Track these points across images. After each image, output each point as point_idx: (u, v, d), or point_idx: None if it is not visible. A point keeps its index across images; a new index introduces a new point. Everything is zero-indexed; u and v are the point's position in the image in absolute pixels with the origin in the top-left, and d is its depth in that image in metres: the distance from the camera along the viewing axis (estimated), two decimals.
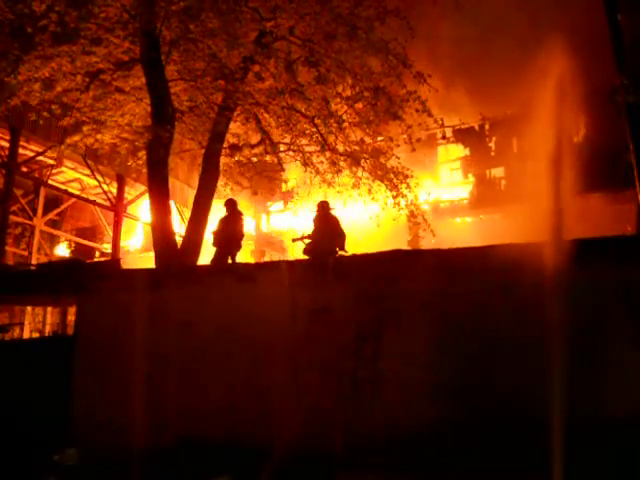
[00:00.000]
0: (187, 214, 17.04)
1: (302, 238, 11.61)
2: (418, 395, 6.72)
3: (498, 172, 25.34)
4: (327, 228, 11.26)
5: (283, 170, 13.67)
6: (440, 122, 12.52)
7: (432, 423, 6.59)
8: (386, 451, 6.69)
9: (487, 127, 25.78)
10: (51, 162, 22.99)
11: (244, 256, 20.74)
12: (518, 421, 6.19)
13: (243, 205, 13.28)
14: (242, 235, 11.97)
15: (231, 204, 12.05)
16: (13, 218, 23.02)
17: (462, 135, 26.04)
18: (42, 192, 24.17)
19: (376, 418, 6.92)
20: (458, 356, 6.72)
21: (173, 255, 11.04)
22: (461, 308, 6.83)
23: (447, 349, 6.77)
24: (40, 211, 24.26)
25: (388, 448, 6.70)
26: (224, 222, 11.86)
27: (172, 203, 12.34)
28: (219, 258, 11.50)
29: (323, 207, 11.64)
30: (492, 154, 25.60)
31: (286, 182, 14.53)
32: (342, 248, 11.02)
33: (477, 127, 25.90)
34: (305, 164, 13.13)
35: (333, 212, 11.72)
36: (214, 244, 11.71)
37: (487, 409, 6.43)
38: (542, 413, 5.77)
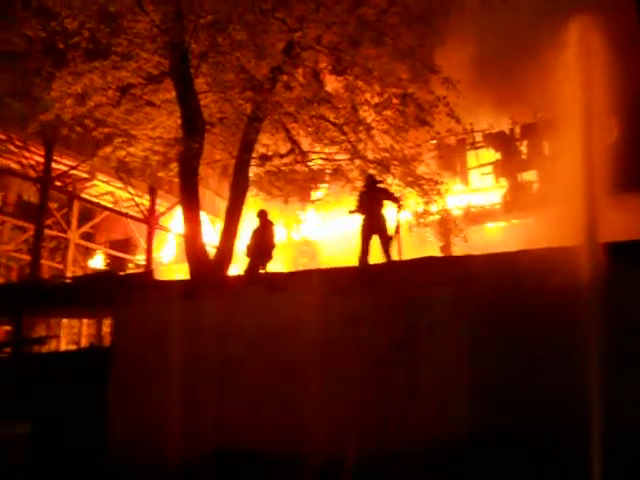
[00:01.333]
0: (218, 224, 17.16)
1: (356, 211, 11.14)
2: (453, 403, 6.64)
3: (530, 176, 25.04)
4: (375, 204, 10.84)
5: (313, 179, 13.67)
6: (470, 127, 12.41)
7: (468, 432, 6.49)
8: (421, 460, 6.62)
9: (518, 131, 25.53)
10: (84, 176, 23.33)
11: (281, 265, 20.82)
12: (557, 427, 6.08)
13: (274, 214, 13.30)
14: (273, 245, 11.97)
15: (262, 215, 12.09)
16: (48, 232, 23.40)
17: (492, 139, 25.80)
18: (76, 205, 24.53)
19: (411, 427, 6.84)
20: (494, 363, 6.63)
21: (205, 266, 11.10)
22: (496, 314, 6.74)
23: (482, 356, 6.68)
24: (74, 224, 24.62)
25: (423, 457, 6.62)
26: (256, 233, 11.89)
27: (203, 214, 12.41)
28: (251, 268, 11.53)
29: (372, 181, 11.24)
30: (523, 157, 25.31)
31: (316, 190, 14.52)
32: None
33: (507, 131, 25.67)
34: (335, 173, 13.13)
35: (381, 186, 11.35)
36: (247, 254, 11.74)
37: (524, 417, 6.32)
38: (584, 417, 5.65)
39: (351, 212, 11.18)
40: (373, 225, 10.61)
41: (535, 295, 6.47)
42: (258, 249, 11.63)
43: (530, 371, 6.47)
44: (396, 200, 11.05)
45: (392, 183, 12.71)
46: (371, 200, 10.86)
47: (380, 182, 11.50)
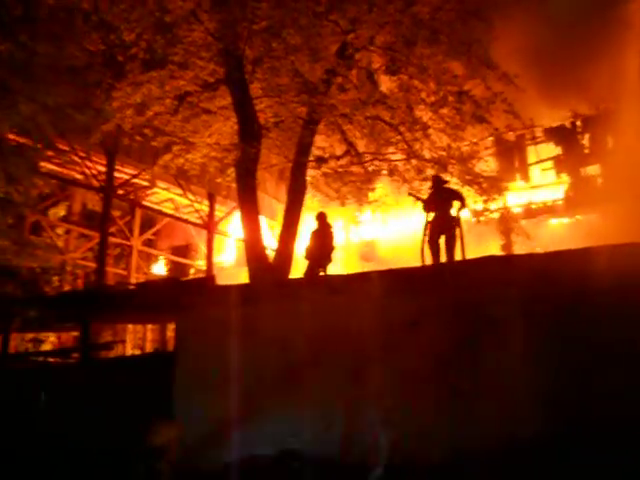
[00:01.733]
0: (277, 228, 17.26)
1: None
2: (519, 407, 6.48)
3: (593, 170, 24.31)
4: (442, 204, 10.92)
5: (370, 180, 13.61)
6: (529, 122, 12.14)
7: (533, 436, 6.33)
8: (485, 464, 6.49)
9: (579, 124, 24.84)
10: (145, 184, 23.84)
11: (340, 267, 20.81)
12: (626, 435, 5.87)
13: (332, 216, 13.27)
14: (332, 248, 11.95)
15: (321, 217, 12.09)
16: (112, 239, 24.01)
17: (553, 134, 25.16)
18: (138, 213, 25.11)
19: (476, 430, 6.72)
20: (559, 364, 6.45)
21: (265, 269, 11.18)
22: (562, 315, 6.56)
23: (547, 357, 6.51)
24: (137, 231, 25.20)
25: (488, 461, 6.49)
26: (315, 235, 11.90)
27: (262, 218, 12.50)
28: (311, 271, 11.55)
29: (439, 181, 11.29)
30: (586, 152, 24.60)
31: (373, 191, 14.43)
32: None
33: (568, 125, 24.99)
34: (391, 173, 13.04)
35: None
36: (306, 257, 11.76)
37: (592, 421, 6.12)
38: None
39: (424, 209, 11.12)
40: (442, 225, 10.61)
41: (605, 294, 6.26)
42: (317, 252, 11.65)
43: (598, 373, 6.27)
44: (463, 199, 10.94)
45: (450, 181, 12.57)
46: (439, 200, 10.87)
47: (446, 182, 11.42)
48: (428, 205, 10.96)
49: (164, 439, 8.13)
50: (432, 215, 10.87)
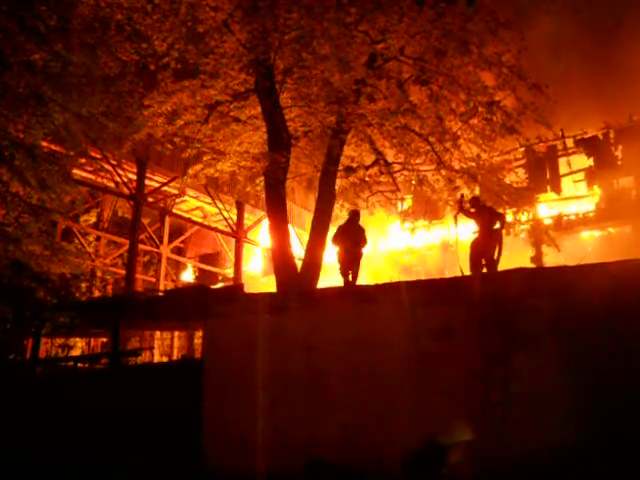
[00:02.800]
0: (305, 237, 17.28)
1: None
2: (551, 419, 6.39)
3: (627, 182, 23.95)
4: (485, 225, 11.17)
5: (399, 190, 13.56)
6: (560, 133, 12.01)
7: (566, 449, 6.23)
8: (517, 477, 6.41)
9: (612, 135, 24.51)
10: (175, 192, 24.07)
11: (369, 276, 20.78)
12: None
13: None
14: (361, 253, 11.87)
15: (355, 215, 12.11)
16: (141, 247, 24.26)
17: (585, 145, 24.85)
18: (167, 221, 25.35)
19: (507, 443, 6.64)
20: (592, 377, 6.34)
21: (293, 278, 11.18)
22: (593, 328, 6.46)
23: (580, 370, 6.41)
24: (166, 239, 25.43)
25: (519, 474, 6.40)
26: (345, 233, 11.85)
27: (291, 227, 12.52)
28: (343, 276, 11.51)
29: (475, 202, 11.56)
30: (619, 163, 24.24)
31: (402, 201, 14.38)
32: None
33: (601, 135, 24.68)
34: (420, 183, 12.99)
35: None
36: (338, 260, 11.73)
37: (624, 437, 6.01)
38: None
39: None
40: (483, 245, 10.88)
41: (637, 308, 6.15)
42: (347, 253, 11.61)
43: (630, 388, 6.16)
44: (503, 219, 11.12)
45: (479, 192, 12.49)
46: (481, 220, 11.16)
47: (483, 202, 11.61)
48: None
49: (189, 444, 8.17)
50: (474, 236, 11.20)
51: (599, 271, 6.82)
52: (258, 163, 12.67)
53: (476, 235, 11.28)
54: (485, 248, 10.80)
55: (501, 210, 12.07)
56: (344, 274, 11.54)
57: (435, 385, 7.10)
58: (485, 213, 11.20)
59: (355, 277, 11.61)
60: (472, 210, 11.48)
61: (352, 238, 11.72)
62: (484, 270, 10.61)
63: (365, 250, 12.04)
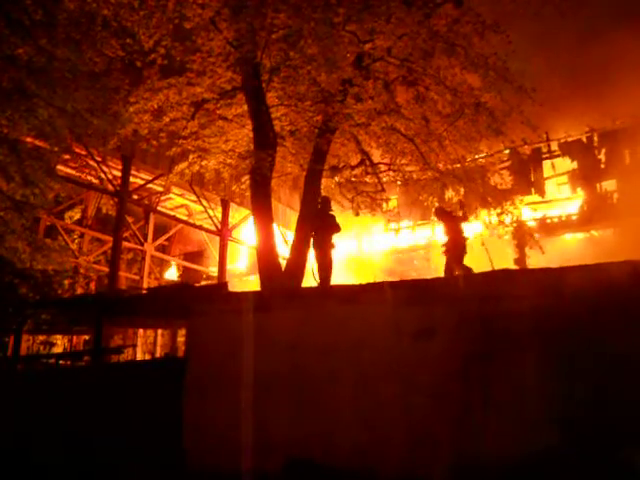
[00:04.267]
0: (290, 236, 17.28)
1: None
2: (532, 422, 6.42)
3: (609, 185, 24.17)
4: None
5: (384, 190, 13.60)
6: (545, 136, 12.13)
7: (547, 453, 6.27)
8: (495, 478, 6.44)
9: (595, 138, 24.73)
10: (160, 189, 23.99)
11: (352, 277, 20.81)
12: None
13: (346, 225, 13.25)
14: (329, 241, 11.85)
15: (324, 201, 12.09)
16: (125, 244, 24.15)
17: (569, 148, 25.06)
18: (152, 218, 25.28)
19: (486, 445, 6.66)
20: (574, 380, 6.38)
21: (278, 277, 11.18)
22: (575, 330, 6.50)
23: (562, 372, 6.45)
24: (150, 237, 25.36)
25: (499, 477, 6.44)
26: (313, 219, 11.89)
27: (275, 226, 12.51)
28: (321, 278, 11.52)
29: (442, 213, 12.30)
30: (602, 167, 24.47)
31: (387, 202, 14.41)
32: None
33: (584, 139, 24.89)
34: (406, 184, 13.03)
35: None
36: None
37: (607, 439, 6.05)
38: None
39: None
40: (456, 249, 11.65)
41: (619, 309, 6.21)
42: (316, 241, 11.68)
43: (613, 390, 6.20)
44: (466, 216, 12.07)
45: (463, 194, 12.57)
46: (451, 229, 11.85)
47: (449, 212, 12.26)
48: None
49: (170, 443, 8.13)
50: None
51: (581, 273, 6.87)
52: (244, 161, 12.64)
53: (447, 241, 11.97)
54: (459, 252, 11.52)
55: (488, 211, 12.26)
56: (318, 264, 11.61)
57: (417, 386, 7.12)
58: (451, 221, 12.02)
59: (327, 267, 11.62)
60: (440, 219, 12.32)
61: (320, 224, 11.73)
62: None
63: (337, 239, 12.04)
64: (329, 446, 7.45)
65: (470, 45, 11.17)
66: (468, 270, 10.99)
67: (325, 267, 11.57)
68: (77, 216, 26.85)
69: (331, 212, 12.08)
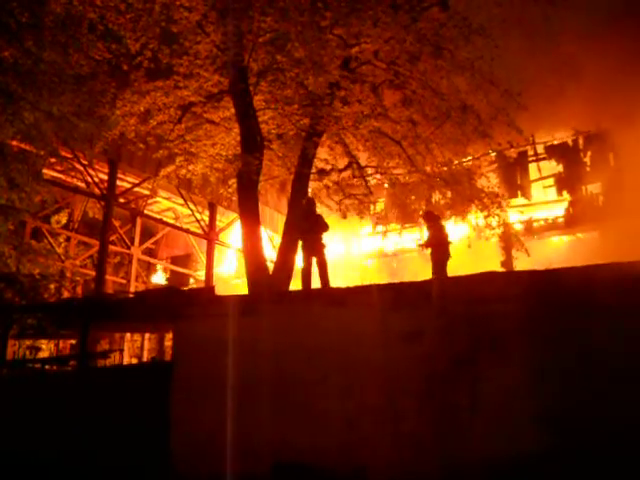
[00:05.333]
0: (277, 240, 17.27)
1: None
2: (518, 423, 6.45)
3: (595, 188, 24.37)
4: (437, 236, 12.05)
5: (371, 193, 13.63)
6: (531, 139, 12.23)
7: (533, 454, 6.29)
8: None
9: (581, 142, 24.92)
10: (147, 193, 23.92)
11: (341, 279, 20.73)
12: (631, 453, 5.84)
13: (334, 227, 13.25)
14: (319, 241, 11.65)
15: (308, 202, 11.91)
16: (112, 248, 24.06)
17: (554, 151, 25.24)
18: (139, 222, 25.19)
19: (473, 446, 6.68)
20: (561, 382, 6.42)
21: (265, 280, 11.16)
22: (562, 332, 6.54)
23: (548, 375, 6.48)
24: (137, 240, 25.27)
25: (485, 478, 6.46)
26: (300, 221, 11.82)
27: (262, 229, 12.51)
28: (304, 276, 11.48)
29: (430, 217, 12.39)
30: (587, 169, 24.66)
31: (375, 205, 14.47)
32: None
33: (570, 142, 25.07)
34: (393, 186, 13.07)
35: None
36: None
37: (594, 440, 6.09)
38: None
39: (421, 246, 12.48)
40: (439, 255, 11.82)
41: (606, 311, 6.25)
42: (305, 241, 11.62)
43: (595, 395, 6.24)
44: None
45: (450, 196, 12.64)
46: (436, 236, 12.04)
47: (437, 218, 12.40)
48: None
49: (157, 447, 8.09)
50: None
51: (567, 275, 6.92)
52: (231, 165, 12.64)
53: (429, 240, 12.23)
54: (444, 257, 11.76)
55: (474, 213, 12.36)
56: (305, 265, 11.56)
57: (404, 388, 7.14)
58: (437, 225, 12.19)
59: (324, 266, 11.45)
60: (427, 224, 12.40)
61: (308, 225, 11.53)
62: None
63: (327, 238, 11.95)
64: (317, 448, 7.44)
65: (456, 48, 11.24)
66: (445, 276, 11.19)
67: (322, 266, 11.40)
68: (63, 220, 26.70)
69: (317, 212, 11.99)
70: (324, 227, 11.59)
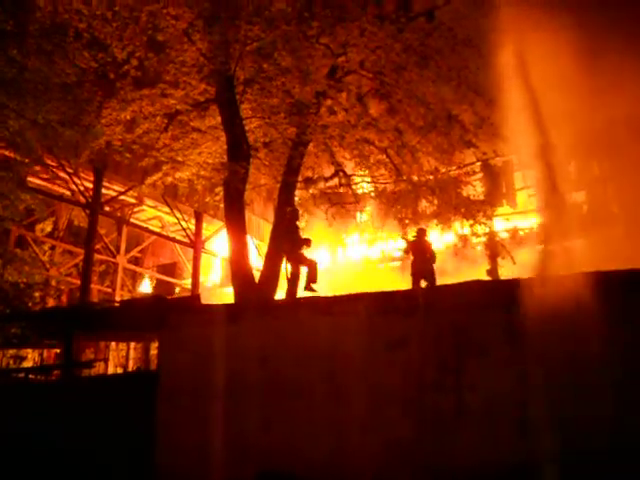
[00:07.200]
0: (264, 249, 17.23)
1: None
2: (503, 429, 6.47)
3: (579, 197, 24.53)
4: (423, 251, 12.08)
5: (358, 202, 13.66)
6: (516, 147, 12.32)
7: (518, 460, 6.31)
8: None
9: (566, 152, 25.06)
10: (132, 201, 23.79)
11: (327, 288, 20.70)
12: (612, 457, 5.87)
13: (318, 236, 13.26)
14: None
15: (291, 214, 11.51)
16: (97, 256, 23.87)
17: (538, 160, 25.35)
18: (124, 230, 25.01)
19: (459, 453, 6.70)
20: (545, 389, 6.44)
21: (251, 289, 11.13)
22: (546, 339, 6.57)
23: (533, 381, 6.51)
24: (123, 249, 25.08)
25: None
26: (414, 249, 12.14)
27: (249, 238, 12.48)
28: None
29: (420, 233, 12.28)
30: (571, 178, 24.80)
31: (361, 213, 14.50)
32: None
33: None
34: (379, 195, 13.10)
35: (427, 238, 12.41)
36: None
37: (576, 444, 6.11)
38: None
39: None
40: (423, 270, 11.84)
41: (590, 319, 6.29)
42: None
43: (578, 400, 6.28)
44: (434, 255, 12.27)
45: (436, 205, 12.68)
46: (420, 249, 12.06)
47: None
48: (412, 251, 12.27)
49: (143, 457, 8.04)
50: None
51: (552, 283, 6.95)
52: (217, 173, 12.63)
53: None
54: (426, 271, 11.86)
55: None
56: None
57: (390, 395, 7.14)
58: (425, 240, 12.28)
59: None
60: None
61: (290, 242, 11.18)
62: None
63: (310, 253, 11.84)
64: (302, 456, 7.43)
65: (442, 58, 11.33)
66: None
67: (295, 280, 11.24)
68: (48, 228, 26.49)
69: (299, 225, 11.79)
70: (306, 243, 11.45)
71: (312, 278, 10.99)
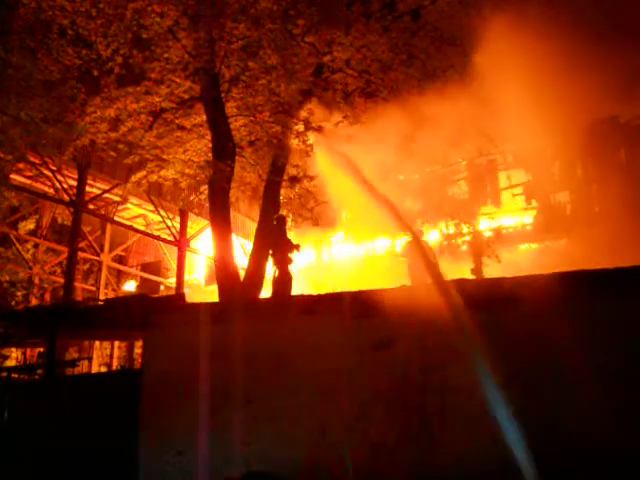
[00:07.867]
0: (249, 247, 17.21)
1: None
2: (488, 431, 6.49)
3: (562, 197, 24.71)
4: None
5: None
6: (501, 147, 12.40)
7: (502, 462, 6.33)
8: None
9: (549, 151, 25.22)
10: (117, 199, 23.66)
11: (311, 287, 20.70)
12: (595, 459, 5.92)
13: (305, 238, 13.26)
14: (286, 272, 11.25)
15: (279, 220, 11.45)
16: (81, 255, 23.77)
17: (523, 159, 25.52)
18: (108, 228, 24.91)
19: (444, 454, 6.72)
20: (529, 390, 6.48)
21: (236, 288, 11.10)
22: (529, 340, 6.61)
23: (517, 383, 6.53)
24: (107, 247, 24.99)
25: None
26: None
27: (234, 236, 12.45)
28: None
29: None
30: (556, 178, 24.98)
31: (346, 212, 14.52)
32: None
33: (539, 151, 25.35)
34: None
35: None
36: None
37: (562, 446, 6.16)
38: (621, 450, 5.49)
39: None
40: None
41: (571, 320, 6.33)
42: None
43: (568, 400, 6.32)
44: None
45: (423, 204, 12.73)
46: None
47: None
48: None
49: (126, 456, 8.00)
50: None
51: (536, 283, 6.99)
52: (202, 171, 12.57)
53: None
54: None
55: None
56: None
57: (375, 396, 7.15)
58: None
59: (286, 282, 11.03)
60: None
61: (279, 248, 11.11)
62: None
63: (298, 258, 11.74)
64: (287, 456, 7.42)
65: (428, 58, 11.36)
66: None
67: (285, 282, 11.17)
68: (31, 226, 26.29)
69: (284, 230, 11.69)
70: (296, 248, 11.38)
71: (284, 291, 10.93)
